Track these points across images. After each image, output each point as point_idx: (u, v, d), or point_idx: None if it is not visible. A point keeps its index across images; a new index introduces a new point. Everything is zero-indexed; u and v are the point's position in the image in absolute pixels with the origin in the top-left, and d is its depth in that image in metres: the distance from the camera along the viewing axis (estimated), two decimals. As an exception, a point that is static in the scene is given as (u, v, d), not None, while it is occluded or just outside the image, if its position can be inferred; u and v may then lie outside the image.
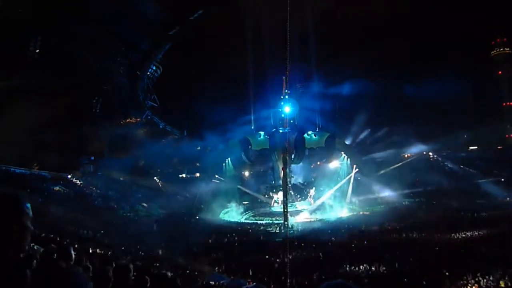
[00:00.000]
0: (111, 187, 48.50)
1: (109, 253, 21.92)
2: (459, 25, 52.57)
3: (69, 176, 46.55)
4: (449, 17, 51.89)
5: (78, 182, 46.66)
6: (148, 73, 61.69)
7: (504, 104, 65.01)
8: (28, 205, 1.91)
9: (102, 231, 29.30)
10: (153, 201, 47.73)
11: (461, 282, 16.26)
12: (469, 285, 15.90)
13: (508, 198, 42.83)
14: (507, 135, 63.52)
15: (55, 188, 40.92)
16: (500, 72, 65.46)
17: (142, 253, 24.30)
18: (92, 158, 52.80)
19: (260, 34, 53.14)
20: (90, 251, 19.66)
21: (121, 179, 52.06)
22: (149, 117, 62.71)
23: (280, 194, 50.37)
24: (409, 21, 51.26)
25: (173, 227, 37.61)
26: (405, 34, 51.68)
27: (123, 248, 24.54)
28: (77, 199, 39.95)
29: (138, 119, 62.32)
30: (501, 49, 66.22)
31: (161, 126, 64.29)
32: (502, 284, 16.00)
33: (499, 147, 59.19)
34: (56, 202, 33.34)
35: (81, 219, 30.65)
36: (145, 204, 46.74)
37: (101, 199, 43.85)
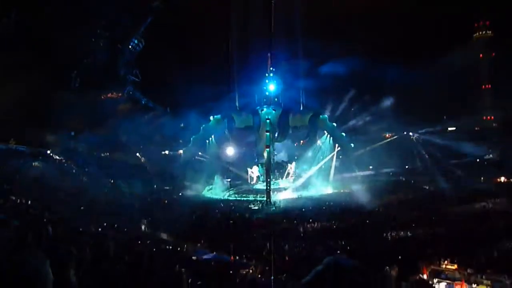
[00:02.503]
0: (92, 163, 47.74)
1: (92, 229, 21.85)
2: (443, 7, 52.80)
3: (49, 152, 45.54)
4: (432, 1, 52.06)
5: (58, 157, 45.75)
6: (130, 47, 59.85)
7: (483, 86, 66.33)
8: None
9: (82, 208, 29.09)
10: (136, 177, 47.37)
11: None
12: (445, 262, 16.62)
13: (482, 178, 44.51)
14: (484, 117, 65.19)
15: (33, 164, 40.05)
16: (481, 55, 66.38)
17: (125, 229, 24.30)
18: (73, 133, 51.62)
19: (247, 9, 52.06)
20: (71, 227, 19.53)
21: (102, 155, 51.27)
22: (130, 93, 61.36)
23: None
24: (394, 2, 51.12)
25: (156, 204, 37.66)
26: (390, 16, 51.65)
27: (105, 224, 24.45)
28: (57, 175, 39.26)
29: (120, 94, 60.88)
30: (483, 32, 66.91)
31: (143, 102, 63.11)
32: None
33: (476, 129, 60.90)
34: (35, 178, 32.72)
35: (61, 195, 30.29)
36: (127, 181, 46.36)
37: (81, 175, 43.25)
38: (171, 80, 58.68)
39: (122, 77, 59.28)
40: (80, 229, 19.85)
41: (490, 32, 66.30)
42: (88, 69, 54.74)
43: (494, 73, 63.06)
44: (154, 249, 19.01)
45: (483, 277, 14.65)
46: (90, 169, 45.76)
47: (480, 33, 67.05)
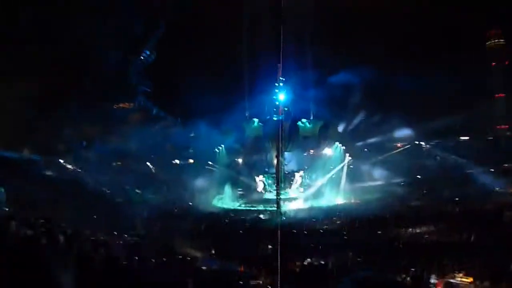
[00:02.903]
0: (103, 172, 48.20)
1: (102, 237, 21.94)
2: (455, 15, 52.35)
3: (61, 161, 46.14)
4: (446, 7, 51.65)
5: (70, 166, 46.33)
6: (142, 57, 60.78)
7: (496, 95, 65.35)
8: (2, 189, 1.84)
9: (94, 216, 29.31)
10: (146, 186, 47.65)
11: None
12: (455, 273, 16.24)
13: (497, 188, 43.56)
14: (497, 126, 64.08)
15: (46, 173, 40.62)
16: (493, 64, 65.58)
17: (135, 238, 24.36)
18: (84, 143, 52.29)
19: (257, 19, 52.52)
20: (82, 236, 19.66)
21: (113, 164, 51.76)
22: (142, 103, 62.06)
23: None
24: (405, 10, 50.90)
25: (166, 213, 37.76)
26: (401, 24, 51.41)
27: (115, 232, 24.56)
28: (70, 184, 39.74)
29: (131, 104, 61.64)
30: (496, 40, 66.22)
31: (154, 112, 63.72)
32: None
33: (489, 138, 59.86)
34: (48, 187, 33.16)
35: (74, 204, 30.58)
36: (138, 190, 46.63)
37: (93, 184, 43.65)
38: (182, 90, 59.23)
39: (134, 87, 60.08)
40: (92, 238, 19.98)
41: (503, 40, 65.63)
42: (101, 79, 55.63)
43: (507, 81, 62.13)
44: (164, 259, 18.98)
45: (500, 290, 14.22)
46: (101, 177, 46.20)
47: (493, 41, 66.37)
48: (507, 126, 63.34)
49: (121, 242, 21.22)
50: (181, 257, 21.00)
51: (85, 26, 48.29)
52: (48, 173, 40.73)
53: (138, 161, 53.90)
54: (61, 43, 44.40)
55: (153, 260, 17.89)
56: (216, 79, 56.14)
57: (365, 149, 53.30)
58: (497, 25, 64.08)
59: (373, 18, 52.84)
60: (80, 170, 46.42)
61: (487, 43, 66.34)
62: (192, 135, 58.53)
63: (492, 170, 49.21)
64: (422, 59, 54.73)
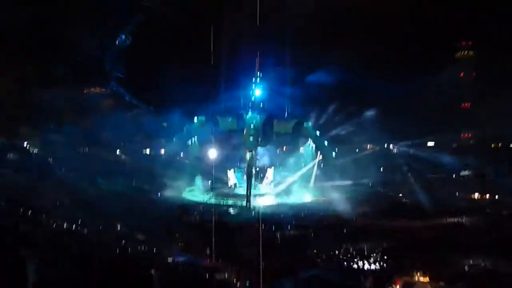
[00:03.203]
0: (71, 157, 46.60)
1: (65, 225, 21.31)
2: (426, 26, 54.26)
3: (25, 144, 44.23)
4: (418, 18, 53.39)
5: (35, 150, 44.49)
6: (116, 42, 58.96)
7: (462, 105, 68.19)
8: None
9: (58, 203, 28.36)
10: (115, 175, 46.53)
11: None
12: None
13: (457, 193, 45.80)
14: (462, 135, 67.02)
15: (8, 156, 38.84)
16: (462, 74, 68.35)
17: (101, 227, 23.79)
18: (51, 126, 50.30)
19: (237, 12, 52.14)
20: (45, 223, 19.01)
21: (82, 150, 50.17)
22: (114, 88, 60.32)
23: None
24: (380, 17, 52.15)
25: (134, 203, 37.05)
26: (376, 29, 52.68)
27: (80, 221, 23.88)
28: (33, 169, 38.19)
29: (103, 89, 59.82)
30: (465, 52, 69.01)
31: (126, 99, 62.13)
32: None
33: (454, 145, 62.52)
34: (8, 171, 31.74)
35: (37, 190, 29.45)
36: (106, 179, 45.44)
37: (59, 170, 42.16)
38: (156, 78, 58.13)
39: (107, 72, 58.27)
40: (54, 226, 19.36)
41: (472, 52, 68.40)
42: (72, 61, 53.56)
43: (473, 92, 65.00)
44: (129, 250, 18.69)
45: (454, 291, 14.99)
46: (68, 163, 44.67)
47: (463, 53, 69.11)
48: (470, 135, 66.45)
49: (84, 231, 20.66)
50: (147, 248, 20.76)
51: (59, 9, 46.36)
52: (10, 156, 38.89)
53: (107, 149, 52.51)
54: (32, 26, 42.36)
55: (117, 251, 17.61)
56: (192, 69, 55.41)
57: (336, 149, 54.41)
58: (467, 37, 66.75)
59: (351, 20, 53.87)
60: (46, 155, 44.64)
61: (456, 54, 69.07)
62: (164, 124, 57.62)
63: (454, 176, 51.66)
64: (394, 66, 56.36)
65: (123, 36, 59.15)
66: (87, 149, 50.45)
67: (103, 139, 52.30)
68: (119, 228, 25.29)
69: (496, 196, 43.64)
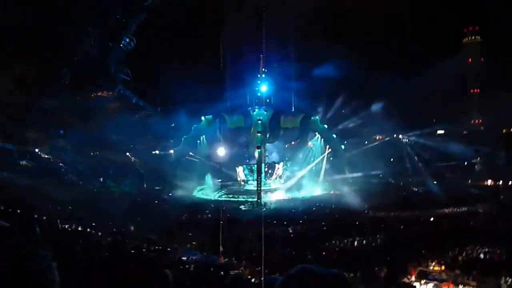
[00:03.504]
0: (80, 161, 47.13)
1: (79, 228, 21.57)
2: (433, 12, 53.46)
3: (37, 150, 44.81)
4: (424, 4, 52.68)
5: (46, 156, 45.06)
6: (121, 45, 59.27)
7: (471, 91, 67.21)
8: None
9: (70, 207, 28.71)
10: (126, 177, 46.94)
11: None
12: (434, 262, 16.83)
13: (469, 181, 45.22)
14: (472, 121, 66.09)
15: (21, 162, 39.40)
16: (470, 60, 67.32)
17: (114, 229, 24.04)
18: (61, 131, 50.88)
19: (240, 9, 52.03)
20: (59, 227, 19.27)
21: (91, 153, 50.66)
22: (121, 91, 60.73)
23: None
24: (385, 8, 51.53)
25: (146, 203, 37.38)
26: (381, 21, 52.09)
27: (93, 224, 24.17)
28: (45, 174, 38.69)
29: (110, 93, 60.25)
30: (473, 37, 67.91)
31: (134, 101, 62.54)
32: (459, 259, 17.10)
33: (464, 132, 61.69)
34: (22, 177, 32.19)
35: (49, 194, 29.83)
36: (116, 181, 45.91)
37: (70, 174, 42.67)
38: (162, 79, 58.37)
39: (113, 75, 58.66)
40: (68, 229, 19.61)
41: (479, 37, 67.28)
42: (78, 66, 54.03)
43: (482, 78, 63.98)
44: (143, 250, 18.86)
45: (470, 278, 14.85)
46: (79, 167, 45.22)
47: (470, 38, 68.03)
48: (480, 121, 65.49)
49: (99, 233, 20.90)
50: (161, 247, 20.93)
51: (63, 12, 46.69)
52: (23, 162, 39.44)
53: (117, 151, 52.93)
54: (38, 30, 42.74)
55: (133, 251, 17.77)
56: (197, 69, 55.54)
57: (345, 142, 54.11)
58: (474, 22, 65.69)
59: (355, 14, 53.36)
60: (57, 160, 45.19)
61: (463, 40, 68.03)
62: (172, 125, 57.89)
63: (466, 164, 50.95)
64: (401, 55, 55.73)
65: (127, 39, 59.42)
66: (96, 153, 50.89)
67: (112, 142, 52.74)
68: (132, 228, 25.55)
69: (510, 182, 43.00)
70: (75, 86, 53.52)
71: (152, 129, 57.25)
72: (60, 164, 44.69)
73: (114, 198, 38.26)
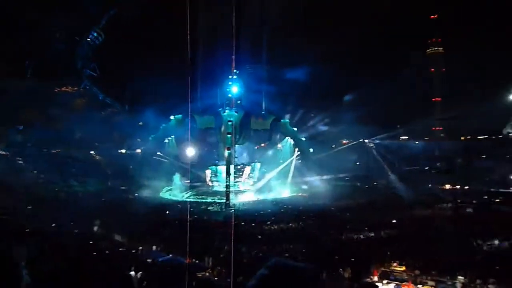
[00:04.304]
0: (42, 159, 45.08)
1: (39, 229, 20.63)
2: (398, 24, 55.77)
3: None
4: (390, 17, 54.81)
5: (3, 153, 42.77)
6: (88, 39, 57.30)
7: (433, 99, 70.67)
8: None
9: (30, 207, 27.42)
10: (90, 176, 45.40)
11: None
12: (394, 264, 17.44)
13: (430, 185, 47.37)
14: (433, 128, 69.44)
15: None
16: (432, 70, 70.87)
17: (76, 230, 23.17)
18: (21, 127, 48.41)
19: (212, 11, 51.74)
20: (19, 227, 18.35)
21: (53, 151, 48.60)
22: (87, 87, 58.68)
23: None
24: (353, 16, 53.13)
25: (111, 204, 36.29)
26: (349, 29, 53.56)
27: (54, 225, 23.19)
28: (1, 172, 36.71)
29: (75, 88, 58.07)
30: (435, 48, 71.51)
31: (100, 98, 60.59)
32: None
33: (426, 138, 64.70)
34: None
35: (6, 193, 28.35)
36: (79, 180, 44.28)
37: (30, 172, 40.72)
38: (132, 76, 56.93)
39: (79, 70, 56.58)
40: (27, 229, 18.72)
41: (442, 48, 70.95)
42: (42, 59, 51.65)
43: (443, 87, 67.51)
44: (107, 251, 18.32)
45: (428, 278, 15.55)
46: (39, 165, 43.21)
47: (433, 49, 71.56)
48: (441, 128, 68.96)
49: (61, 234, 20.08)
50: (126, 249, 20.41)
51: (29, 3, 44.54)
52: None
53: (81, 149, 51.09)
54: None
55: (95, 253, 17.23)
56: (168, 67, 54.61)
57: (313, 145, 55.16)
58: (437, 34, 69.15)
59: (325, 22, 54.63)
60: (15, 157, 42.99)
61: (427, 51, 71.45)
62: (140, 123, 56.61)
63: (427, 168, 53.34)
64: (370, 64, 57.63)
65: (95, 34, 57.56)
66: (59, 150, 48.88)
67: (76, 139, 50.87)
68: (95, 229, 24.74)
69: (466, 187, 45.43)
70: (38, 80, 51.12)
71: (119, 127, 55.72)
72: (19, 161, 42.55)
73: (77, 197, 36.84)
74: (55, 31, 52.53)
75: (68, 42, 54.49)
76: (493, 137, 56.91)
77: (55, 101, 52.59)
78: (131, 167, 51.15)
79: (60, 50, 53.62)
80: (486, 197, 39.67)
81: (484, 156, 51.48)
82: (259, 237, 25.57)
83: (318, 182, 50.07)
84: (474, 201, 36.92)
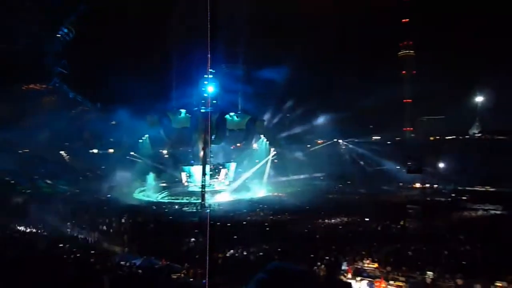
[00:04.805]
0: (7, 159, 43.11)
1: (7, 232, 19.78)
2: (370, 27, 57.22)
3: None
4: (361, 19, 56.15)
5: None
6: (59, 35, 55.34)
7: (404, 100, 72.86)
8: None
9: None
10: (59, 176, 43.90)
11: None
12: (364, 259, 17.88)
13: (401, 184, 48.89)
14: (404, 128, 71.66)
15: None
16: (404, 72, 73.07)
17: (45, 233, 22.36)
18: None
19: (187, 10, 51.21)
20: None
21: (20, 151, 46.66)
22: (57, 85, 56.63)
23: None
24: (328, 18, 53.90)
25: (82, 205, 35.25)
26: (325, 30, 54.41)
27: (20, 227, 22.29)
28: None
29: (44, 86, 55.95)
30: (407, 51, 73.80)
31: (70, 96, 58.63)
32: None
33: (397, 138, 66.71)
34: None
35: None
36: (49, 181, 42.75)
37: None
38: (104, 74, 55.35)
39: (48, 67, 54.52)
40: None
41: (413, 51, 73.27)
42: (8, 55, 49.42)
43: (414, 89, 69.79)
44: (78, 254, 17.78)
45: (399, 274, 16.02)
46: (5, 166, 41.35)
47: (404, 52, 73.79)
48: (411, 129, 71.22)
49: (30, 237, 19.32)
50: (98, 252, 19.89)
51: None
52: None
53: (50, 149, 49.29)
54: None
55: (65, 256, 16.69)
56: (142, 64, 53.60)
57: (289, 145, 55.78)
58: (408, 37, 71.30)
59: (298, 21, 55.21)
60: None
61: (399, 54, 73.60)
62: (113, 122, 55.22)
63: (398, 167, 54.94)
64: (342, 64, 58.70)
65: (66, 30, 55.69)
66: (26, 150, 47.00)
67: (44, 139, 49.00)
68: (67, 231, 23.98)
69: (435, 185, 47.19)
70: (4, 77, 48.91)
71: (90, 127, 54.16)
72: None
73: (46, 199, 35.53)
74: (23, 26, 50.46)
75: (37, 38, 52.45)
76: (460, 137, 59.43)
77: (23, 99, 50.57)
78: (103, 167, 49.85)
79: (28, 46, 51.55)
80: (453, 195, 41.38)
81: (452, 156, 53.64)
82: (235, 237, 25.53)
83: (293, 182, 50.64)
84: (442, 199, 38.42)
